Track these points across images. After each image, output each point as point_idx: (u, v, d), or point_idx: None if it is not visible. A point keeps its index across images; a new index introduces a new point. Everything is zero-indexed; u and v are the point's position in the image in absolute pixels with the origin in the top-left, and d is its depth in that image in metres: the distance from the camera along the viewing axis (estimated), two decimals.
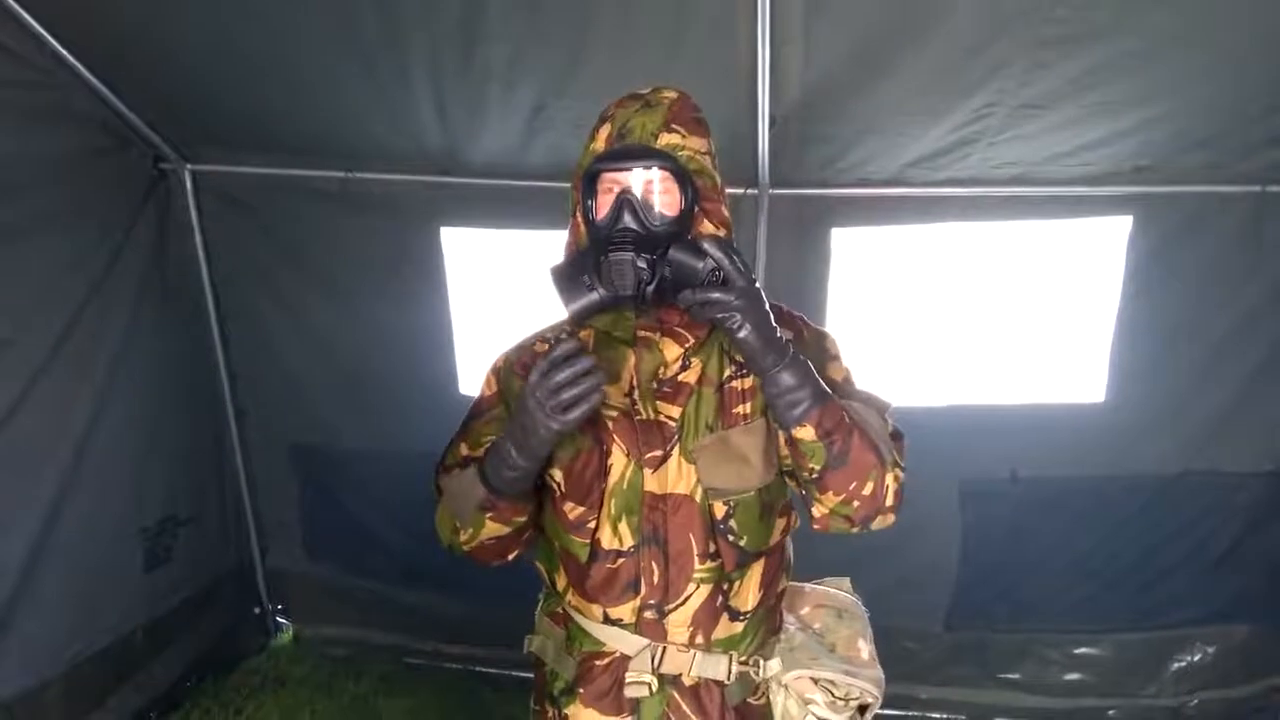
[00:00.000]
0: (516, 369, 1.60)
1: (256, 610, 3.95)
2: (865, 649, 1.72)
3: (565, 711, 1.58)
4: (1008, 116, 2.58)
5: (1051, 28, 2.27)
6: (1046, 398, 3.14)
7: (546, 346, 1.54)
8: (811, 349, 1.54)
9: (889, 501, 1.43)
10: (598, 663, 1.55)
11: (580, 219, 1.51)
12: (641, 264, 1.39)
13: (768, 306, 1.37)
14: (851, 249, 3.06)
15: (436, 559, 3.50)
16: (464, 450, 1.59)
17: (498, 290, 3.26)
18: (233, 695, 3.56)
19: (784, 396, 1.38)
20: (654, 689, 1.50)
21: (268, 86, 2.86)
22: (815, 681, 1.60)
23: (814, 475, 1.42)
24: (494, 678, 3.64)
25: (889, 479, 1.42)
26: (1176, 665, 3.38)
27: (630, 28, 2.46)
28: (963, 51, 2.38)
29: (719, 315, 1.33)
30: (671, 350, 1.51)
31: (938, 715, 3.44)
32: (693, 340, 1.52)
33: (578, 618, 1.56)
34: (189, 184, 3.35)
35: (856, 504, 1.43)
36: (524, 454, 1.41)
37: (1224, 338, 3.04)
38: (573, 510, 1.51)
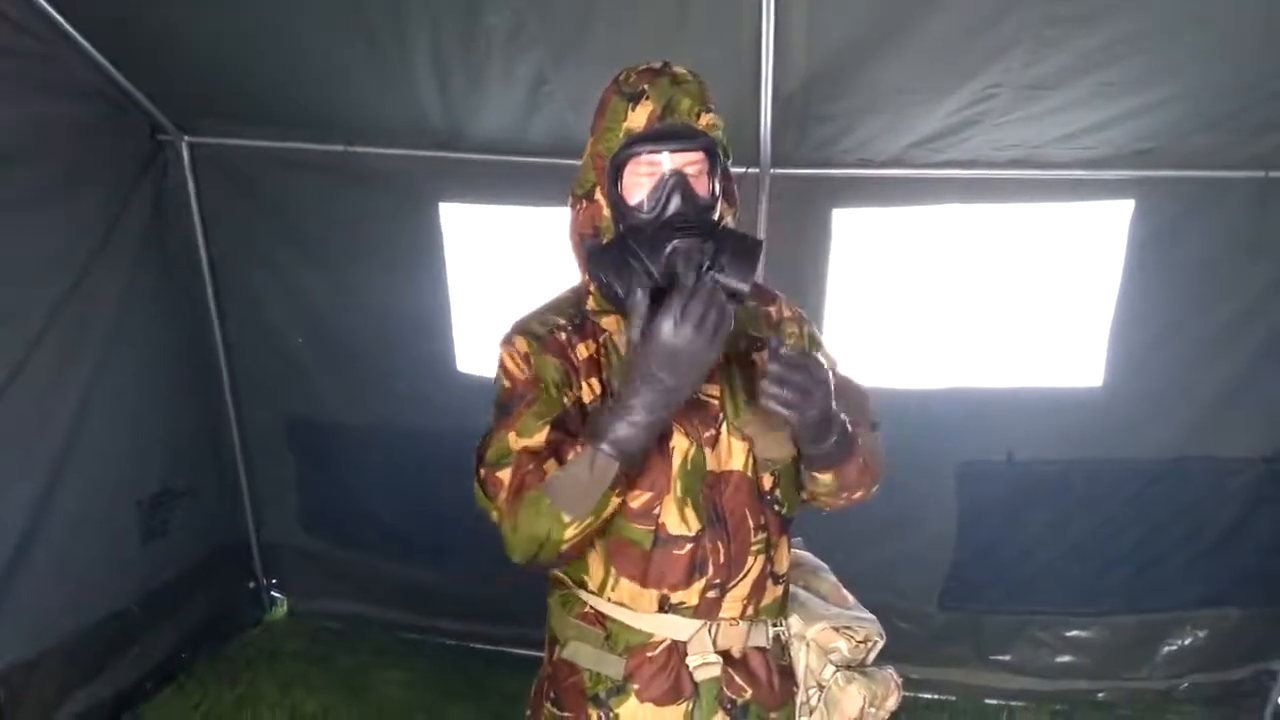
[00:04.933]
0: (551, 353, 1.47)
1: (251, 584, 3.95)
2: (850, 596, 1.80)
3: (617, 712, 1.52)
4: (1012, 98, 2.56)
5: (1059, 6, 2.25)
6: (1044, 381, 3.14)
7: (565, 335, 1.50)
8: (805, 331, 1.65)
9: (865, 498, 1.64)
10: (649, 655, 1.51)
11: (604, 200, 1.48)
12: (702, 253, 1.38)
13: (831, 386, 1.39)
14: (852, 230, 3.05)
15: (431, 534, 3.56)
16: (518, 441, 1.40)
17: (497, 267, 3.25)
18: (228, 668, 3.57)
19: (820, 456, 1.48)
20: (721, 667, 1.52)
21: (266, 59, 2.84)
22: (836, 630, 1.66)
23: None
24: (488, 652, 3.66)
25: (873, 490, 1.63)
26: (1168, 648, 3.41)
27: (633, 3, 2.45)
28: (968, 31, 2.36)
29: (785, 399, 1.33)
30: None
31: (929, 695, 3.45)
32: None
33: (619, 613, 1.52)
34: (186, 156, 3.32)
35: (842, 503, 1.64)
36: (674, 402, 1.33)
37: (1223, 324, 3.04)
38: (638, 498, 1.45)
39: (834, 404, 1.40)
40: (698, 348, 1.28)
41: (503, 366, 1.49)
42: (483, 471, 1.43)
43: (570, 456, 1.34)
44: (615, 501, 1.38)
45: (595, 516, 1.35)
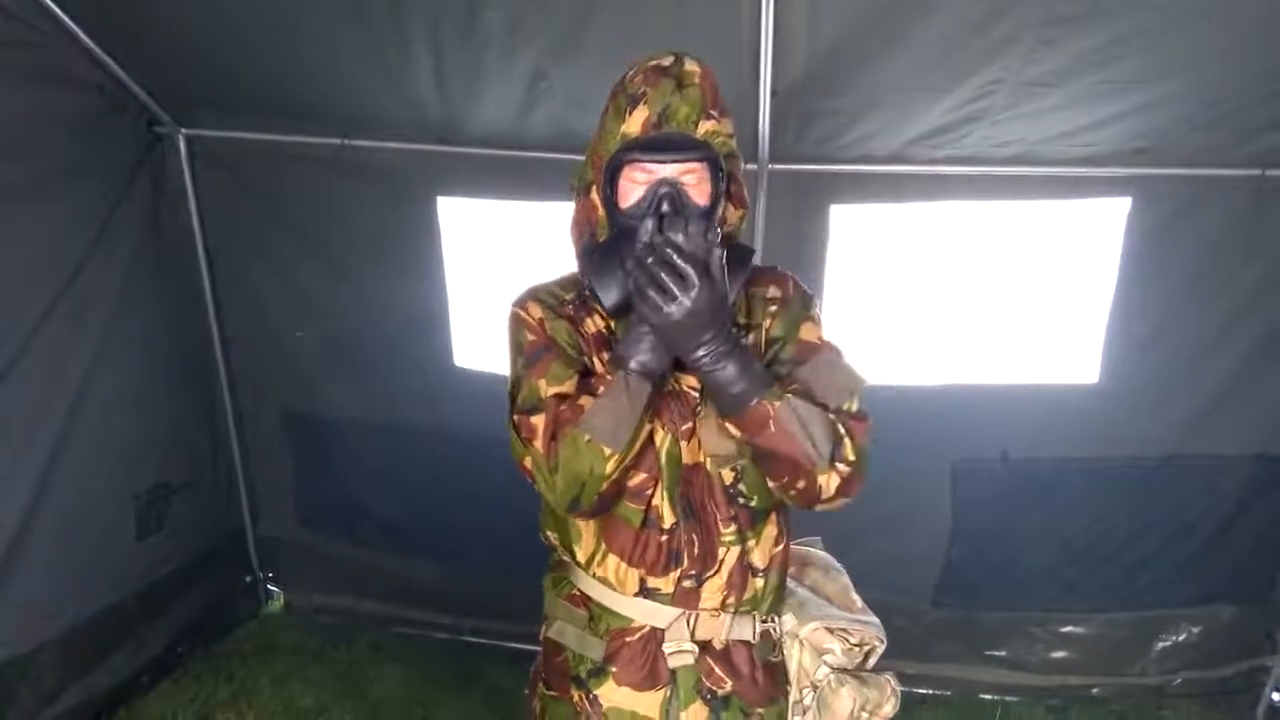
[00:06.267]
0: (563, 320, 1.52)
1: (248, 578, 3.95)
2: (858, 600, 1.77)
3: (596, 693, 1.55)
4: (1011, 95, 2.56)
5: (1058, 5, 2.25)
6: (1040, 378, 3.14)
7: (571, 309, 1.54)
8: (794, 306, 1.61)
9: (826, 495, 1.42)
10: (628, 639, 1.54)
11: (599, 200, 1.49)
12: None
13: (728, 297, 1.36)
14: (850, 226, 3.05)
15: (428, 528, 3.56)
16: (548, 388, 1.43)
17: (495, 262, 3.24)
18: (224, 662, 3.57)
19: (716, 390, 1.39)
20: (695, 656, 1.53)
21: (264, 51, 2.83)
22: (830, 631, 1.65)
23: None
24: (483, 647, 3.65)
25: (823, 478, 1.39)
26: (1161, 645, 3.42)
27: None
28: (969, 27, 2.36)
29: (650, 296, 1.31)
30: None
31: (924, 691, 3.46)
32: None
33: (602, 595, 1.55)
34: (183, 149, 3.32)
35: (793, 493, 1.44)
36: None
37: (1218, 322, 3.05)
38: (634, 477, 1.47)
39: (730, 328, 1.37)
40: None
41: (521, 323, 1.52)
42: (516, 417, 1.45)
43: (601, 389, 1.38)
44: (647, 429, 1.40)
45: (630, 449, 1.38)
